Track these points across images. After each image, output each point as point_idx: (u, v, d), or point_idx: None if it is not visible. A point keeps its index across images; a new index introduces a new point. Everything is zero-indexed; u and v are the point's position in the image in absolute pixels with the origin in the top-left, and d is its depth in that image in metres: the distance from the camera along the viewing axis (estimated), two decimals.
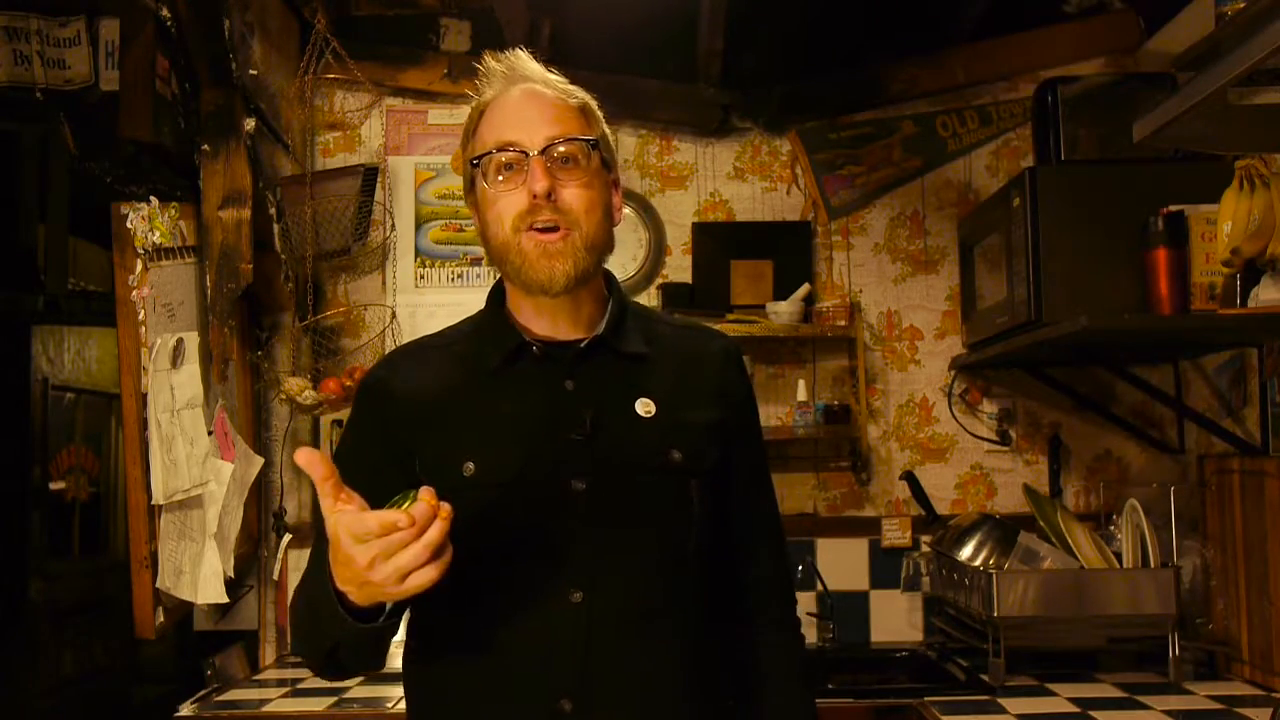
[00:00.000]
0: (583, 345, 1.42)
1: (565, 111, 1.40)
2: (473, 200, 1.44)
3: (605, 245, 1.42)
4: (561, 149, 1.37)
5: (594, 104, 1.45)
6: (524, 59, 1.43)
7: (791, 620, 1.56)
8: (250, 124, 2.85)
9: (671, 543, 1.39)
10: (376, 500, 1.23)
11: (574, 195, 1.37)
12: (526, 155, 1.36)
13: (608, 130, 1.46)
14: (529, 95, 1.40)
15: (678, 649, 1.39)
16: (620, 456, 1.37)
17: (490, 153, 1.38)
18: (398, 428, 1.41)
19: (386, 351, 3.08)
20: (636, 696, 1.35)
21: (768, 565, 1.54)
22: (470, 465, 1.35)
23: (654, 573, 1.38)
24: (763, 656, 1.51)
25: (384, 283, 3.22)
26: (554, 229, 1.35)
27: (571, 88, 1.44)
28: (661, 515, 1.39)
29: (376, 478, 1.37)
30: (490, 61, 1.43)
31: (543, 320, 1.42)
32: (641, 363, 1.44)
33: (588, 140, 1.39)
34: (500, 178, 1.37)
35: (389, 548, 1.12)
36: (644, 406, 1.40)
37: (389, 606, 1.24)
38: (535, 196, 1.34)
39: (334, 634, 1.25)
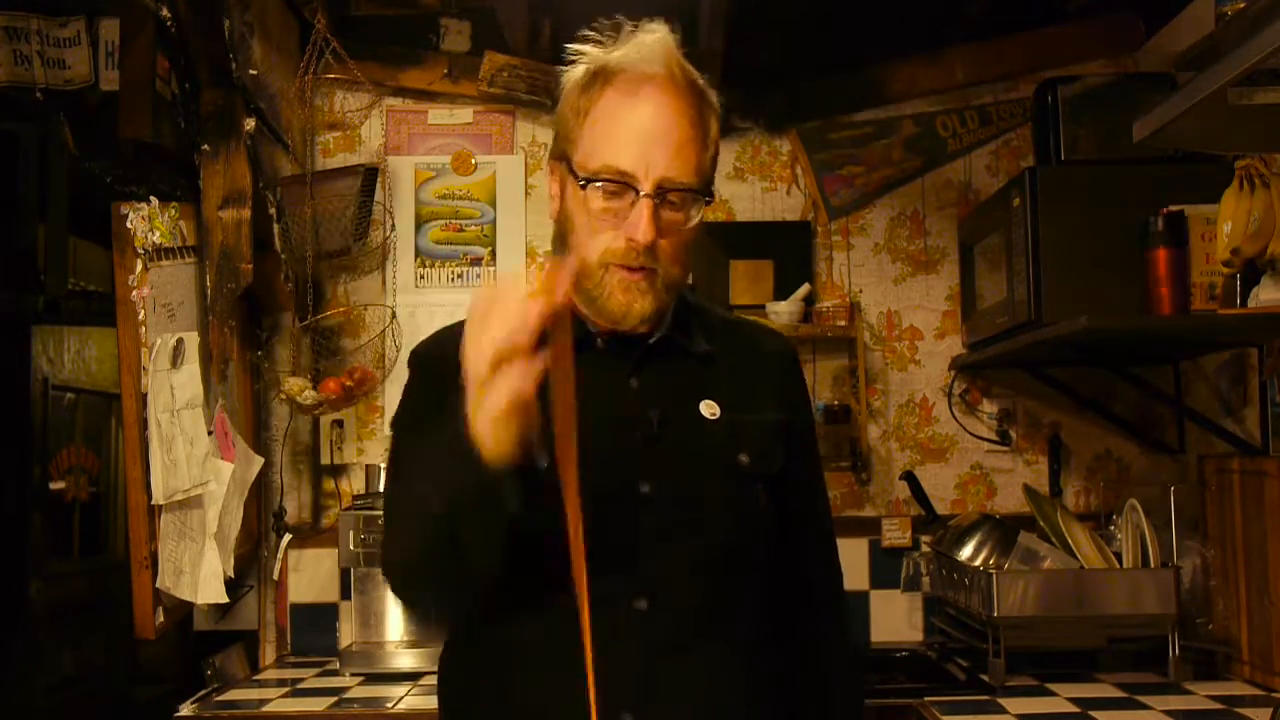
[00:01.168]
0: (651, 342, 1.36)
1: (688, 140, 1.30)
2: (557, 179, 1.37)
3: (684, 282, 1.37)
4: (674, 198, 1.29)
5: (718, 115, 1.36)
6: (665, 38, 1.33)
7: (841, 621, 1.53)
8: (250, 124, 2.85)
9: (738, 550, 1.34)
10: None
11: (670, 242, 1.30)
12: (637, 192, 1.27)
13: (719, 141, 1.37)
14: (656, 109, 1.29)
15: (740, 659, 1.34)
16: (687, 460, 1.32)
17: (597, 180, 1.28)
18: (459, 397, 1.32)
19: (386, 352, 3.09)
20: (699, 708, 1.30)
21: (822, 568, 1.51)
22: None
23: (719, 581, 1.32)
24: (817, 657, 1.47)
25: (384, 283, 3.22)
26: (641, 269, 1.29)
27: (702, 93, 1.33)
28: (729, 521, 1.34)
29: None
30: (626, 26, 1.35)
31: None
32: (706, 363, 1.39)
33: (702, 195, 1.32)
34: (601, 201, 1.29)
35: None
36: (709, 408, 1.36)
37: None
38: (632, 241, 1.27)
39: (461, 484, 1.14)
